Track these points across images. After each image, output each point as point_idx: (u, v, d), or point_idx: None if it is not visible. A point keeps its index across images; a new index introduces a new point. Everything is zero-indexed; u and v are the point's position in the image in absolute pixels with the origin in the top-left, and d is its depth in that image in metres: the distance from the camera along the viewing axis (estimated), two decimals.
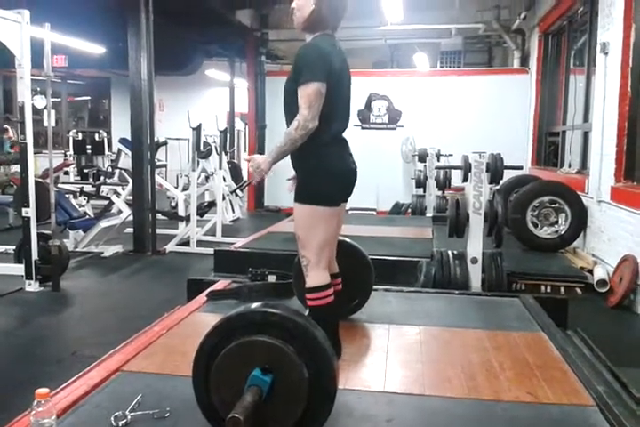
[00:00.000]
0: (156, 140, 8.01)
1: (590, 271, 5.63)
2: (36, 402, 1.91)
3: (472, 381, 2.71)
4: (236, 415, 1.86)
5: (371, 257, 3.56)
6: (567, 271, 5.67)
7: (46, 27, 5.41)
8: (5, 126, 11.52)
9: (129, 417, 2.28)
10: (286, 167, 2.78)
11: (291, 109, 2.60)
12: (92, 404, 2.43)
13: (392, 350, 3.13)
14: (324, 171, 2.64)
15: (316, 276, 2.66)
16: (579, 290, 5.36)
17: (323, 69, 2.52)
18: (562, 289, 5.35)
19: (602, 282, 5.32)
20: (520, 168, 5.68)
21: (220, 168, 8.90)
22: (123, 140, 11.14)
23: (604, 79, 6.03)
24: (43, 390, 1.93)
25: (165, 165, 13.64)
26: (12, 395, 3.21)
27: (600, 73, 6.17)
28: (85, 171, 13.34)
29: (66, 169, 12.63)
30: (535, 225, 6.48)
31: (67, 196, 7.56)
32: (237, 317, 2.13)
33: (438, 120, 10.97)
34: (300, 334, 2.05)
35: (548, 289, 5.33)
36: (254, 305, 2.16)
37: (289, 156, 2.67)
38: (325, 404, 2.08)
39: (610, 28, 5.92)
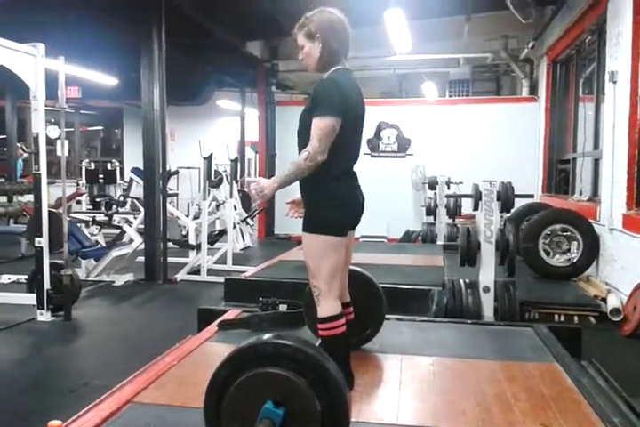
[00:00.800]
0: (167, 169, 8.07)
1: (604, 300, 5.57)
2: None
3: (486, 413, 2.67)
4: None
5: (382, 286, 3.55)
6: (580, 300, 5.62)
7: (61, 60, 5.51)
8: (19, 145, 11.71)
9: None
10: (295, 194, 2.81)
11: (304, 139, 2.62)
12: None
13: (405, 381, 3.10)
14: (333, 201, 2.66)
15: (327, 306, 2.65)
16: (592, 319, 5.31)
17: (340, 105, 2.55)
18: (575, 318, 5.30)
19: (615, 311, 5.26)
20: (531, 197, 5.67)
21: (231, 197, 8.96)
22: (135, 170, 11.22)
23: (613, 107, 6.06)
24: (55, 423, 1.93)
25: (177, 194, 13.73)
26: (24, 425, 3.20)
27: (609, 101, 6.20)
28: (97, 200, 13.46)
29: (78, 198, 12.75)
30: (547, 253, 6.45)
31: (79, 225, 7.61)
32: (249, 348, 2.13)
33: (448, 148, 11.01)
34: (313, 366, 2.04)
35: (562, 318, 5.28)
36: (266, 336, 2.15)
37: (298, 185, 2.70)
38: None
39: (618, 56, 5.97)
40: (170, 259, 7.58)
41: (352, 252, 2.97)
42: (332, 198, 2.65)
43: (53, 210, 5.94)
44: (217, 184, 8.90)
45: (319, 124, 2.51)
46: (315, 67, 2.74)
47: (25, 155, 11.70)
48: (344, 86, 2.62)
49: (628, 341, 4.94)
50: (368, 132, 11.08)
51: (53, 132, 10.82)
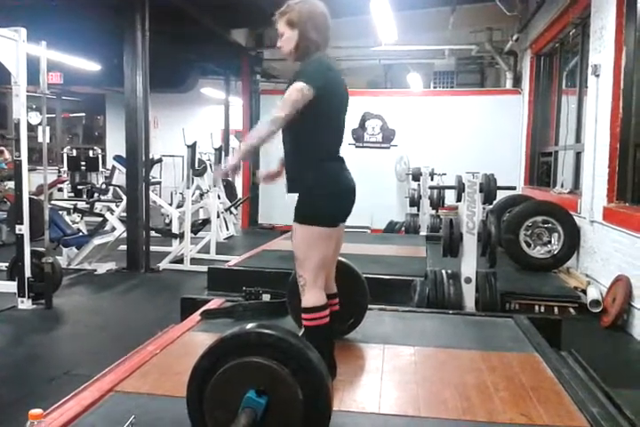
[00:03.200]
0: (150, 157, 8.02)
1: (584, 291, 5.64)
2: (29, 423, 1.90)
3: (467, 402, 2.70)
4: None
5: (365, 276, 3.56)
6: (561, 291, 5.68)
7: (43, 45, 5.44)
8: (1, 148, 11.43)
9: None
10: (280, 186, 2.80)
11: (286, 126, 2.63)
12: (85, 425, 2.40)
13: (387, 370, 3.12)
14: (324, 189, 2.65)
15: (312, 296, 2.66)
16: (572, 310, 5.38)
17: (318, 78, 2.56)
18: (555, 309, 5.36)
19: (595, 302, 5.33)
20: (513, 188, 5.71)
21: (215, 186, 8.91)
22: (117, 157, 11.15)
23: (595, 100, 6.10)
24: (36, 411, 1.92)
25: (160, 182, 13.65)
26: (4, 415, 3.18)
27: (592, 94, 6.24)
28: (79, 187, 13.32)
29: (60, 186, 12.61)
30: (528, 245, 6.51)
31: (60, 212, 7.54)
32: (232, 338, 2.13)
33: (432, 140, 11.04)
34: (295, 355, 2.05)
35: (542, 309, 5.34)
36: (249, 326, 2.15)
37: (285, 175, 2.71)
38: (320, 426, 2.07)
39: (601, 50, 6.00)
40: (152, 248, 7.55)
41: (342, 243, 2.97)
42: (321, 183, 2.65)
43: (34, 197, 5.89)
44: (201, 173, 8.85)
45: (289, 90, 2.53)
46: (292, 55, 2.75)
47: (8, 159, 11.25)
48: (324, 64, 2.67)
49: (607, 332, 5.01)
50: (353, 122, 11.10)
51: (35, 118, 10.69)
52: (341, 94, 2.77)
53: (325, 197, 2.65)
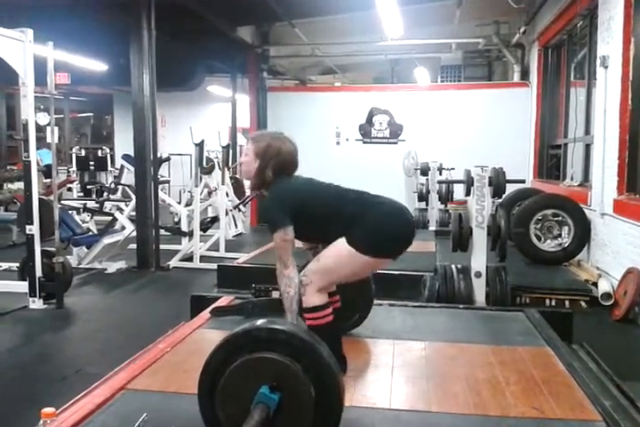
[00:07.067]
0: (158, 156, 8.03)
1: (595, 284, 5.61)
2: (42, 421, 1.91)
3: (478, 396, 2.69)
4: None
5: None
6: (571, 285, 5.66)
7: (50, 45, 5.45)
8: None
9: None
10: None
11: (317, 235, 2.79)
12: (98, 423, 2.41)
13: (397, 365, 3.11)
14: (383, 225, 2.69)
15: (312, 296, 2.66)
16: (583, 303, 5.35)
17: (282, 217, 2.63)
18: (566, 302, 5.34)
19: (606, 295, 5.30)
20: (522, 182, 5.69)
21: (223, 184, 8.92)
22: (126, 157, 11.18)
23: (604, 92, 6.06)
24: (49, 410, 1.93)
25: (168, 181, 13.69)
26: (16, 413, 3.20)
27: (600, 86, 6.20)
28: (89, 187, 13.37)
29: (69, 185, 12.67)
30: (538, 238, 6.48)
31: (70, 212, 7.57)
32: (244, 333, 2.13)
33: (440, 134, 11.00)
34: (307, 351, 2.05)
35: (553, 303, 5.32)
36: (261, 322, 2.15)
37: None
38: (332, 423, 2.07)
39: (609, 41, 5.96)
40: (162, 246, 7.56)
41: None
42: (384, 223, 2.70)
43: (44, 197, 5.91)
44: (209, 171, 8.86)
45: (275, 243, 2.64)
46: (249, 179, 2.84)
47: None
48: (289, 188, 2.73)
49: (618, 325, 4.98)
50: (360, 118, 11.07)
51: (43, 118, 10.71)
52: (314, 187, 2.82)
53: (382, 230, 2.69)
